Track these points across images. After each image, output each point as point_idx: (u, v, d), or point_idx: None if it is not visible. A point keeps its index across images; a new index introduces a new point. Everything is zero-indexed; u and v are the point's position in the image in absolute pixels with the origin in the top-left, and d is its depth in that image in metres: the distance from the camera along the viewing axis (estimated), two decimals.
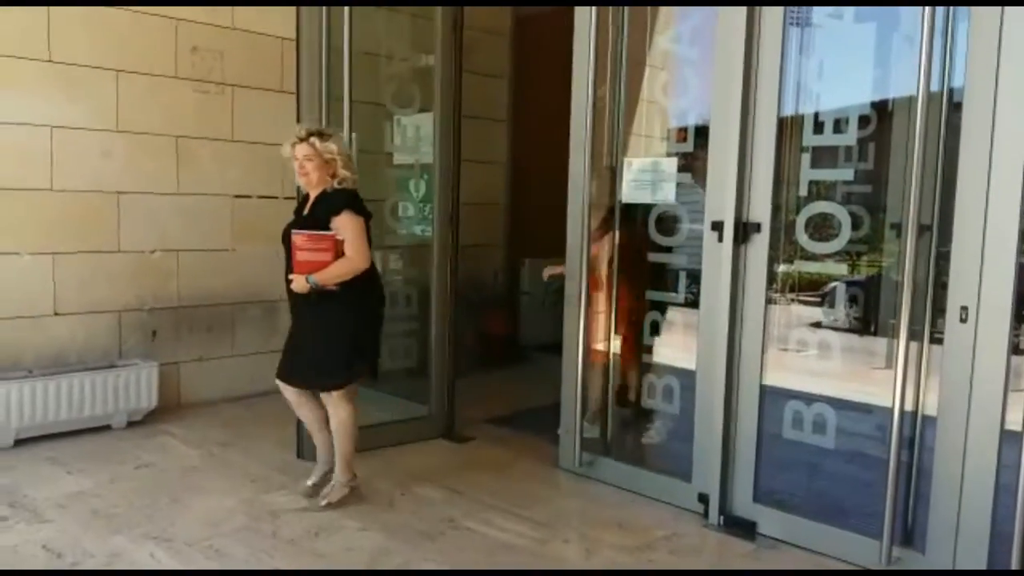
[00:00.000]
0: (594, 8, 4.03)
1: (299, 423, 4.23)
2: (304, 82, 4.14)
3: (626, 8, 4.19)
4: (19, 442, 4.48)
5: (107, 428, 4.81)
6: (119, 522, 3.56)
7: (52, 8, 4.67)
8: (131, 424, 4.90)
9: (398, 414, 4.95)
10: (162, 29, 5.12)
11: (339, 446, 3.78)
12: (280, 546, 3.40)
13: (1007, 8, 2.87)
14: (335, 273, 3.52)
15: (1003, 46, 2.88)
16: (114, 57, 4.94)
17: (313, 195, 3.67)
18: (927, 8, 2.96)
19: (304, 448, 4.32)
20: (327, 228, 3.53)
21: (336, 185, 3.61)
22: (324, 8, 4.17)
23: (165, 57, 5.16)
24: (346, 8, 4.13)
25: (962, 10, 3.06)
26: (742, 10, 3.49)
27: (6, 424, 4.41)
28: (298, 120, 4.14)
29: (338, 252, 3.52)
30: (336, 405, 3.72)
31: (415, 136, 5.09)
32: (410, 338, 5.12)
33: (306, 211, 3.68)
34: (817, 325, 4.05)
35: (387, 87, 4.99)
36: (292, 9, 5.67)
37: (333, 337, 3.63)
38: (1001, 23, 2.88)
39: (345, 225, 3.54)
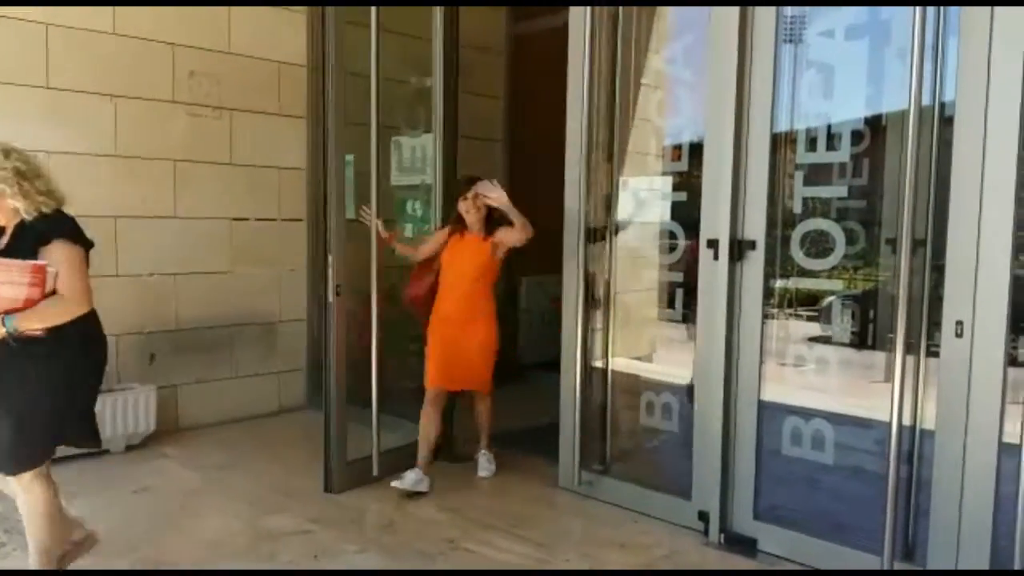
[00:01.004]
0: (588, 8, 4.06)
1: (326, 451, 4.17)
2: (331, 107, 4.08)
3: (620, 17, 4.23)
4: None
5: (105, 452, 4.79)
6: (118, 547, 3.54)
7: (49, 34, 4.71)
8: (129, 448, 4.89)
9: (400, 436, 4.92)
10: (159, 54, 5.16)
11: (34, 533, 2.97)
12: (279, 569, 3.38)
13: (995, 22, 2.89)
14: (44, 315, 2.74)
15: (992, 60, 2.91)
16: (111, 82, 4.97)
17: (10, 228, 2.86)
18: (917, 22, 2.98)
19: (333, 481, 4.23)
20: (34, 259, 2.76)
21: (32, 212, 2.81)
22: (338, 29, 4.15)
23: (162, 82, 5.19)
24: (372, 32, 4.11)
25: (952, 25, 3.09)
26: (734, 28, 3.52)
27: None
28: (324, 146, 4.10)
29: (49, 289, 2.76)
30: (28, 486, 2.89)
31: (413, 157, 5.12)
32: (412, 358, 5.11)
33: (2, 244, 2.84)
34: (815, 340, 4.05)
35: (386, 109, 5.01)
36: (289, 32, 5.77)
37: (33, 403, 2.80)
38: (990, 37, 2.91)
39: (58, 256, 2.79)
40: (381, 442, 4.30)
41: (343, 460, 4.25)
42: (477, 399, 4.65)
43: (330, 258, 4.09)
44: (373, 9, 4.08)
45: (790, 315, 4.16)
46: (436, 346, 4.45)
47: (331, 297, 4.12)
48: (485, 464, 4.63)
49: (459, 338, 4.39)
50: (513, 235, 4.26)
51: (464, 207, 4.36)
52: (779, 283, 3.80)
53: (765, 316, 3.61)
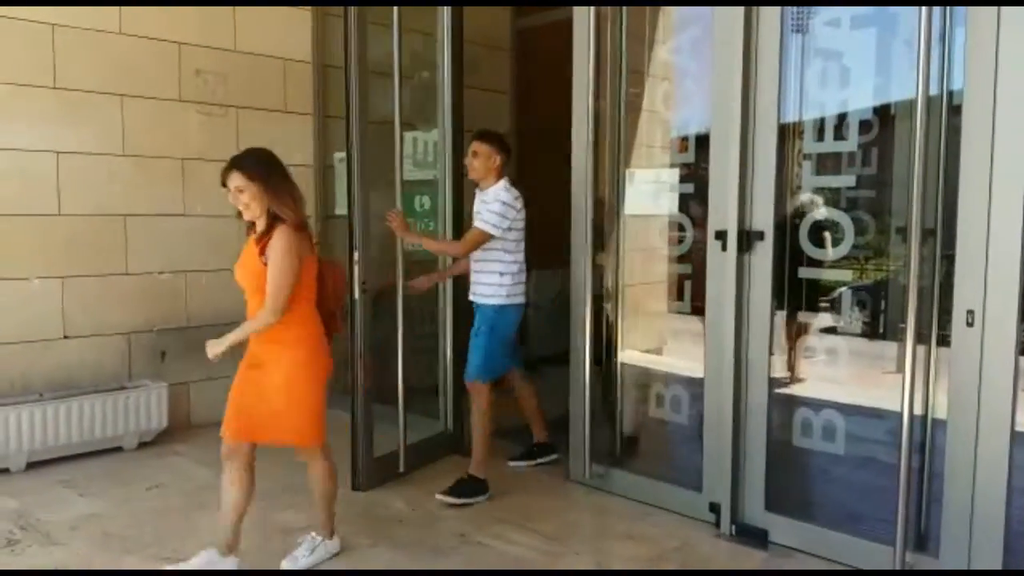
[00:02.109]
0: (592, 8, 4.05)
1: (353, 449, 4.13)
2: (354, 105, 4.02)
3: (624, 13, 4.21)
4: (31, 465, 4.50)
5: (118, 450, 4.83)
6: (131, 543, 3.57)
7: (56, 34, 4.72)
8: (142, 445, 4.92)
9: (414, 434, 4.93)
10: (165, 53, 5.17)
11: None
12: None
13: (1003, 11, 2.87)
14: None
15: (1000, 48, 2.89)
16: (118, 82, 4.98)
17: None
18: (924, 11, 2.97)
19: (361, 479, 4.18)
20: None
21: None
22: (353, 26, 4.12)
23: (169, 81, 5.20)
24: (394, 32, 4.09)
25: (959, 14, 3.07)
26: (740, 18, 3.51)
27: (18, 448, 4.43)
28: (348, 145, 4.05)
29: None
30: None
31: (420, 152, 5.11)
32: (423, 355, 5.11)
33: None
34: (826, 331, 4.04)
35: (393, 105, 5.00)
36: (295, 30, 5.77)
37: None
38: (998, 26, 2.89)
39: None
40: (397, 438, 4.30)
41: (371, 458, 4.22)
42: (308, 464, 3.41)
43: (356, 255, 4.05)
44: (395, 9, 4.07)
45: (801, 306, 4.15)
46: (234, 382, 3.38)
47: (357, 294, 4.08)
48: (302, 553, 3.36)
49: (258, 376, 3.37)
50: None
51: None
52: (788, 274, 3.79)
53: (774, 307, 3.60)
